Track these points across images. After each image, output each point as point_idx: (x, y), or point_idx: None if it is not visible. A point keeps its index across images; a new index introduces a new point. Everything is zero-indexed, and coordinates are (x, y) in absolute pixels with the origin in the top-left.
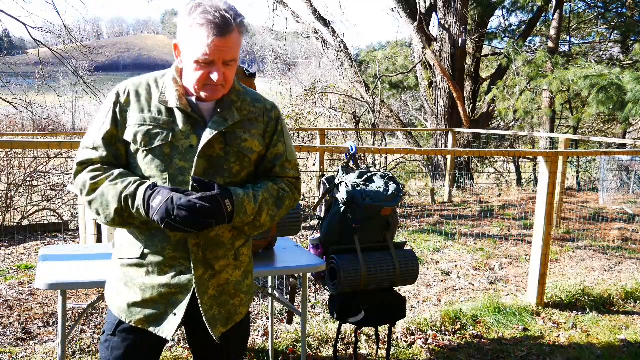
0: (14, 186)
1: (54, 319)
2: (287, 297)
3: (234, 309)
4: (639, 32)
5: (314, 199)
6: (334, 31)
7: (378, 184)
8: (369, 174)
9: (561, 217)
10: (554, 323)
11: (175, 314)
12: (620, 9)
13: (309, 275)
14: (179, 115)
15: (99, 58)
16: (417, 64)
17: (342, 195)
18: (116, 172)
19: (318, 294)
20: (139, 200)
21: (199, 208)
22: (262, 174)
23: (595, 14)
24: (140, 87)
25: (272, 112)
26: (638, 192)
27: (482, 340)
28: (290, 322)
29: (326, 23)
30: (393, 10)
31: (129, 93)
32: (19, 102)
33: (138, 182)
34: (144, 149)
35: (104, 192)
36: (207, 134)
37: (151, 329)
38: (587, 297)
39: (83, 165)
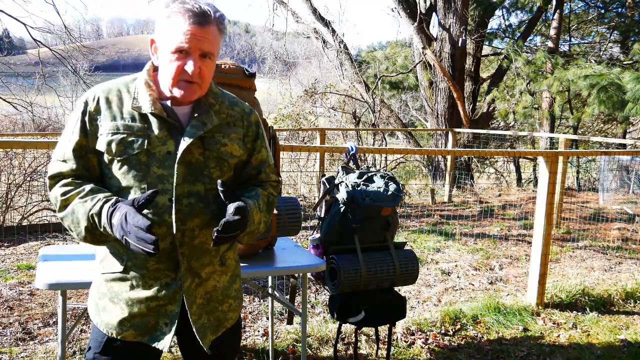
0: (14, 186)
1: (54, 319)
2: (287, 297)
3: (223, 315)
4: (638, 32)
5: (314, 199)
6: (334, 31)
7: (378, 184)
8: (369, 174)
9: (561, 217)
10: (554, 323)
11: (167, 324)
12: (620, 9)
13: (309, 275)
14: (153, 121)
15: (99, 58)
16: (417, 64)
17: (342, 195)
18: (87, 187)
19: (318, 294)
20: (104, 219)
21: (142, 226)
22: (247, 179)
23: (595, 14)
24: (110, 93)
25: (251, 116)
26: (638, 192)
27: (482, 340)
28: (290, 322)
29: (326, 23)
30: (393, 10)
31: (98, 100)
32: (19, 102)
33: (105, 199)
34: (118, 158)
35: (74, 209)
36: (186, 139)
37: (145, 341)
38: (587, 297)
39: (55, 178)
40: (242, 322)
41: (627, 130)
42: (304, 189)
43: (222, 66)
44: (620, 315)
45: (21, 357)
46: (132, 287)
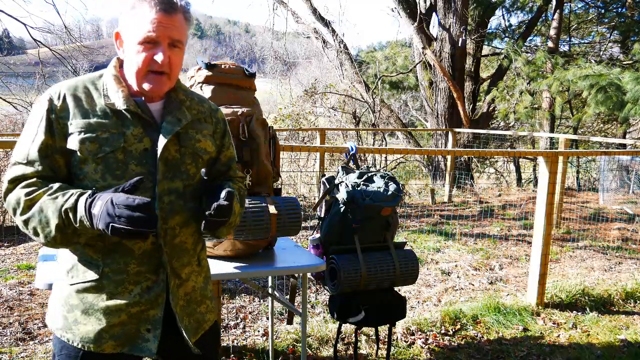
0: None
1: None
2: (287, 297)
3: (202, 317)
4: (638, 32)
5: (314, 199)
6: (334, 31)
7: (378, 184)
8: (369, 174)
9: (561, 217)
10: (554, 323)
11: (149, 330)
12: (620, 9)
13: (309, 275)
14: (128, 118)
15: (99, 58)
16: (417, 64)
17: (342, 195)
18: (55, 185)
19: (318, 294)
20: (80, 212)
21: (138, 204)
22: (217, 176)
23: (595, 14)
24: (77, 90)
25: (217, 112)
26: (638, 192)
27: (482, 340)
28: (290, 322)
29: (326, 23)
30: (393, 10)
31: (64, 98)
32: (19, 102)
33: (78, 193)
34: (94, 157)
35: (42, 207)
36: (165, 135)
37: (126, 351)
38: (587, 297)
39: (15, 182)
40: (243, 323)
41: (627, 131)
42: (304, 189)
43: (222, 66)
44: (620, 315)
45: (21, 357)
46: (110, 295)
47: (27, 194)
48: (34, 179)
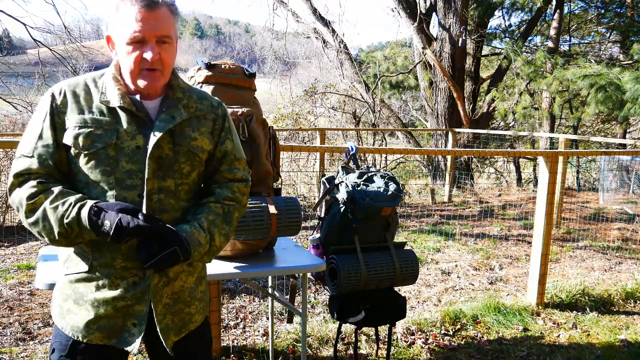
0: None
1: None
2: (287, 297)
3: (188, 317)
4: (638, 32)
5: (314, 199)
6: (334, 31)
7: (378, 184)
8: (369, 174)
9: (561, 217)
10: (554, 323)
11: (135, 324)
12: (619, 9)
13: (309, 275)
14: (122, 115)
15: (99, 58)
16: (417, 64)
17: (342, 195)
18: (55, 190)
19: (318, 294)
20: (86, 225)
21: (149, 230)
22: (211, 174)
23: (595, 14)
24: (77, 87)
25: (218, 109)
26: (638, 192)
27: (482, 340)
28: (290, 322)
29: (326, 23)
30: (393, 10)
31: (65, 94)
32: (19, 102)
33: (79, 205)
34: (86, 152)
35: (45, 215)
36: (156, 133)
37: (112, 343)
38: (587, 297)
39: (20, 177)
40: (243, 323)
41: (627, 130)
42: (304, 189)
43: (222, 66)
44: (620, 315)
45: (21, 357)
46: (98, 288)
47: (29, 197)
48: (38, 176)
